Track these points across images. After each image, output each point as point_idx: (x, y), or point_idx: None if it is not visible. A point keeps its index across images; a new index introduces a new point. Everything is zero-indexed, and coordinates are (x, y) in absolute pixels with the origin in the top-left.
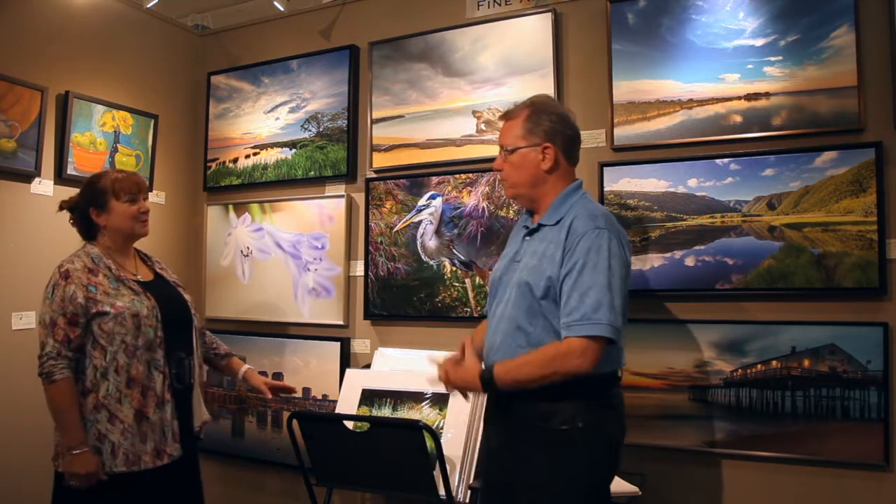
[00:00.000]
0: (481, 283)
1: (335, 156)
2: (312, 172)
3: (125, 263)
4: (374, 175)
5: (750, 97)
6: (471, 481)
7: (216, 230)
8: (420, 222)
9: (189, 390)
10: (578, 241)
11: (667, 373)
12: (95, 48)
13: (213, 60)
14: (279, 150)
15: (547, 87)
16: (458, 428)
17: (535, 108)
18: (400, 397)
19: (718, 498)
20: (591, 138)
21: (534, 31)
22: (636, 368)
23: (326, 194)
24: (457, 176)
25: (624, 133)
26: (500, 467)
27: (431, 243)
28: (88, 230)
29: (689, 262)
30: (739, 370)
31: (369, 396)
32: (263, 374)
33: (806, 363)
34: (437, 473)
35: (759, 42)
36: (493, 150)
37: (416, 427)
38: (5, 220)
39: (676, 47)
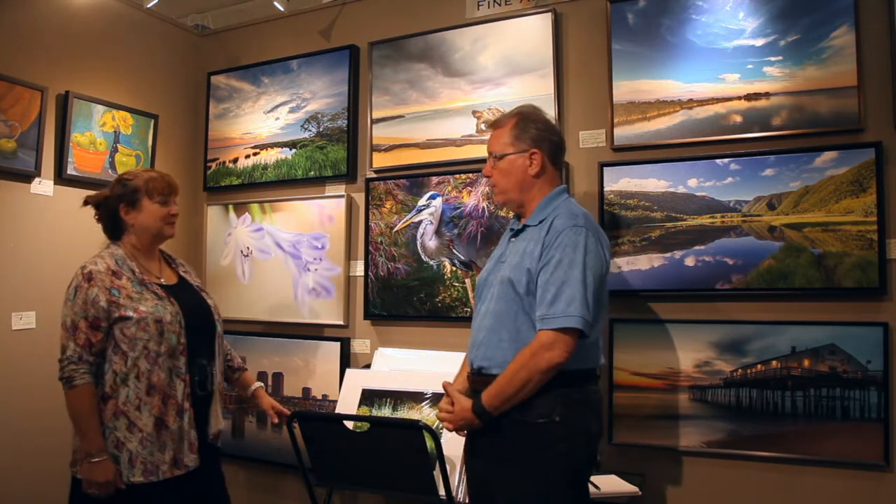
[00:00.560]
0: None
1: (335, 156)
2: (312, 172)
3: (149, 265)
4: (374, 175)
5: (750, 97)
6: None
7: (216, 230)
8: (420, 222)
9: (209, 397)
10: (557, 237)
11: (667, 373)
12: (95, 48)
13: (213, 60)
14: (279, 150)
15: (547, 87)
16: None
17: (522, 117)
18: (400, 397)
19: (718, 498)
20: (591, 138)
21: (534, 31)
22: (636, 368)
23: (326, 194)
24: (457, 176)
25: (624, 133)
26: (479, 458)
27: (431, 243)
28: (115, 228)
29: (689, 262)
30: (739, 370)
31: (369, 396)
32: (264, 374)
33: (806, 363)
34: (437, 473)
35: (759, 42)
36: None
37: (416, 427)
38: (5, 220)
39: (676, 47)
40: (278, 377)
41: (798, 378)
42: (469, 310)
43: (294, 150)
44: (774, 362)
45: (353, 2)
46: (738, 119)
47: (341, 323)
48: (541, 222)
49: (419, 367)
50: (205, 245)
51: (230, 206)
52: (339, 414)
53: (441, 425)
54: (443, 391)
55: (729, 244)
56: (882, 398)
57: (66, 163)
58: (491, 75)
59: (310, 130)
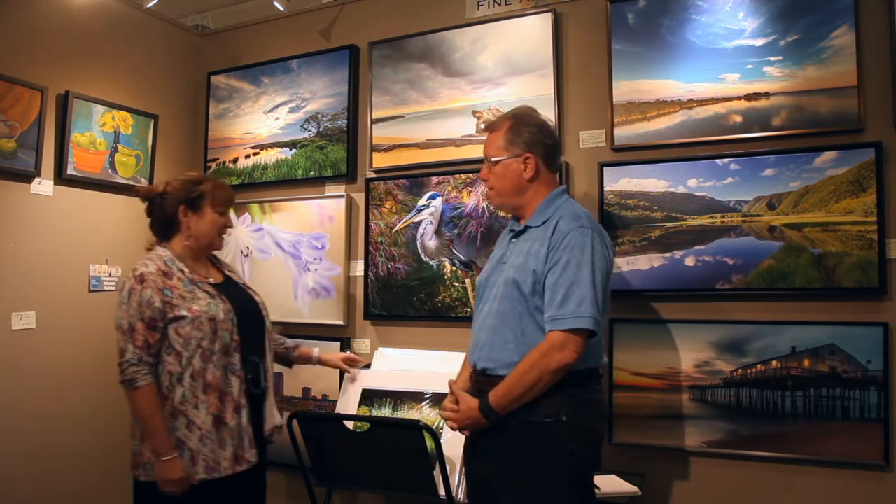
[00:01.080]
0: None
1: (335, 156)
2: (312, 172)
3: (197, 267)
4: (374, 175)
5: (750, 97)
6: None
7: None
8: (420, 222)
9: (263, 394)
10: (563, 238)
11: (667, 373)
12: (95, 48)
13: (213, 60)
14: (279, 150)
15: (547, 87)
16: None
17: (515, 120)
18: (400, 397)
19: (718, 498)
20: (591, 138)
21: (534, 31)
22: (636, 368)
23: (326, 194)
24: (457, 176)
25: (624, 133)
26: (481, 458)
27: (431, 243)
28: (167, 227)
29: (689, 262)
30: (739, 370)
31: (369, 396)
32: None
33: (806, 363)
34: (437, 473)
35: (759, 42)
36: None
37: (416, 427)
38: (5, 220)
39: (676, 47)
40: (278, 377)
41: (798, 378)
42: (469, 310)
43: (294, 150)
44: (774, 362)
45: (353, 2)
46: (738, 119)
47: (341, 323)
48: (544, 223)
49: (419, 367)
50: None
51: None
52: (339, 414)
53: (441, 424)
54: (444, 391)
55: (729, 244)
56: (882, 398)
57: (65, 163)
58: (491, 75)
59: (310, 130)
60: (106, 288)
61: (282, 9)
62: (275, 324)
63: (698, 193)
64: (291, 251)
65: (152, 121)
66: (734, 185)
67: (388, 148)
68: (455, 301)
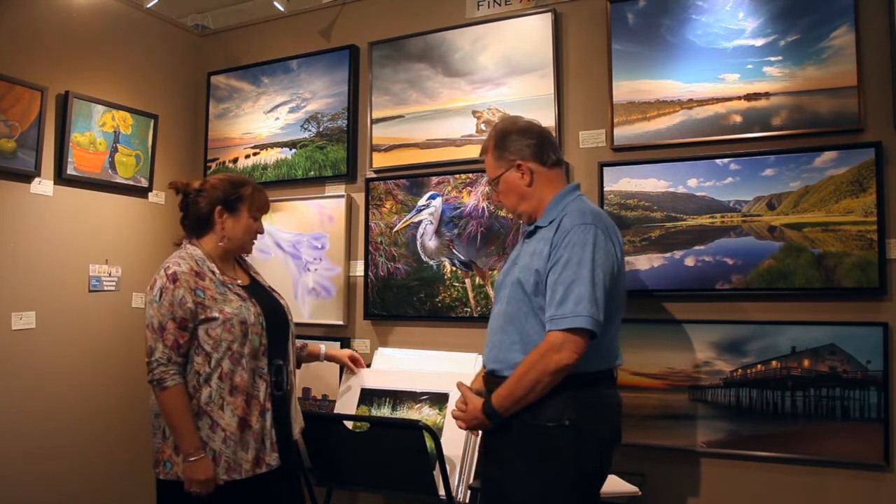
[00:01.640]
0: (481, 283)
1: (335, 156)
2: (312, 172)
3: (225, 268)
4: (374, 175)
5: (750, 97)
6: (471, 481)
7: None
8: (420, 222)
9: (287, 397)
10: (565, 236)
11: (667, 373)
12: (95, 48)
13: (213, 60)
14: (279, 150)
15: (547, 87)
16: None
17: (498, 135)
18: (399, 397)
19: (718, 498)
20: (591, 138)
21: (534, 31)
22: (636, 368)
23: (326, 194)
24: (457, 176)
25: (624, 133)
26: (493, 462)
27: (431, 243)
28: (200, 225)
29: (689, 262)
30: (739, 370)
31: (368, 396)
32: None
33: (806, 363)
34: (437, 473)
35: (759, 42)
36: None
37: (416, 427)
38: (5, 220)
39: (676, 47)
40: None
41: (798, 378)
42: (468, 310)
43: (294, 150)
44: (774, 362)
45: (353, 2)
46: (738, 119)
47: (341, 323)
48: (551, 222)
49: (419, 367)
50: None
51: None
52: (339, 414)
53: (440, 423)
54: (443, 390)
55: (729, 244)
56: (882, 398)
57: (65, 163)
58: (491, 75)
59: (310, 130)
60: (106, 288)
61: (282, 9)
62: None
63: (698, 193)
64: (291, 251)
65: (152, 121)
66: (734, 185)
67: (388, 148)
68: (455, 301)
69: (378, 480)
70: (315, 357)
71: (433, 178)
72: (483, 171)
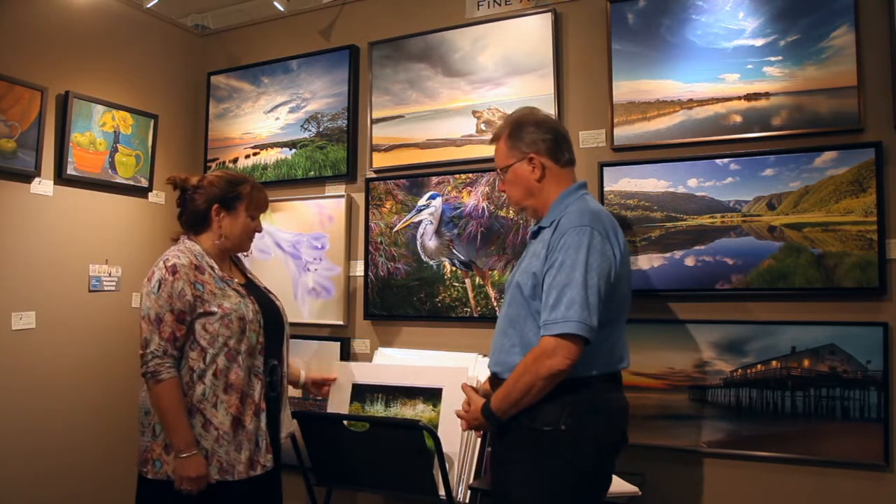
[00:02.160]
0: (481, 283)
1: (335, 156)
2: (312, 172)
3: (222, 266)
4: (374, 175)
5: (750, 97)
6: (470, 481)
7: None
8: (420, 222)
9: (279, 399)
10: (561, 238)
11: (667, 373)
12: (95, 48)
13: (213, 60)
14: (279, 150)
15: (547, 87)
16: (453, 424)
17: (514, 125)
18: (392, 393)
19: (718, 498)
20: (591, 138)
21: (534, 31)
22: (636, 368)
23: (326, 194)
24: (457, 176)
25: (624, 133)
26: (495, 461)
27: (431, 243)
28: (198, 221)
29: (689, 262)
30: (739, 370)
31: (360, 392)
32: None
33: (806, 363)
34: (437, 473)
35: (759, 42)
36: (492, 150)
37: (416, 427)
38: (5, 220)
39: (676, 47)
40: None
41: (798, 378)
42: (468, 310)
43: (294, 150)
44: (774, 362)
45: (353, 2)
46: (738, 119)
47: (341, 323)
48: (552, 223)
49: (413, 363)
50: None
51: None
52: (339, 414)
53: (433, 420)
54: (437, 386)
55: (729, 244)
56: (882, 398)
57: (65, 163)
58: (491, 75)
59: (310, 130)
60: (106, 288)
61: (282, 9)
62: None
63: (698, 193)
64: (291, 251)
65: (152, 121)
66: (734, 185)
67: (388, 148)
68: (455, 301)
69: (378, 480)
70: (296, 380)
71: (433, 178)
72: (483, 171)
